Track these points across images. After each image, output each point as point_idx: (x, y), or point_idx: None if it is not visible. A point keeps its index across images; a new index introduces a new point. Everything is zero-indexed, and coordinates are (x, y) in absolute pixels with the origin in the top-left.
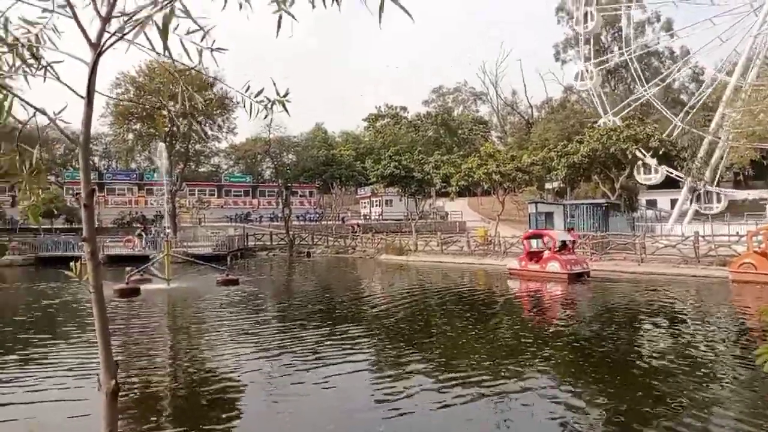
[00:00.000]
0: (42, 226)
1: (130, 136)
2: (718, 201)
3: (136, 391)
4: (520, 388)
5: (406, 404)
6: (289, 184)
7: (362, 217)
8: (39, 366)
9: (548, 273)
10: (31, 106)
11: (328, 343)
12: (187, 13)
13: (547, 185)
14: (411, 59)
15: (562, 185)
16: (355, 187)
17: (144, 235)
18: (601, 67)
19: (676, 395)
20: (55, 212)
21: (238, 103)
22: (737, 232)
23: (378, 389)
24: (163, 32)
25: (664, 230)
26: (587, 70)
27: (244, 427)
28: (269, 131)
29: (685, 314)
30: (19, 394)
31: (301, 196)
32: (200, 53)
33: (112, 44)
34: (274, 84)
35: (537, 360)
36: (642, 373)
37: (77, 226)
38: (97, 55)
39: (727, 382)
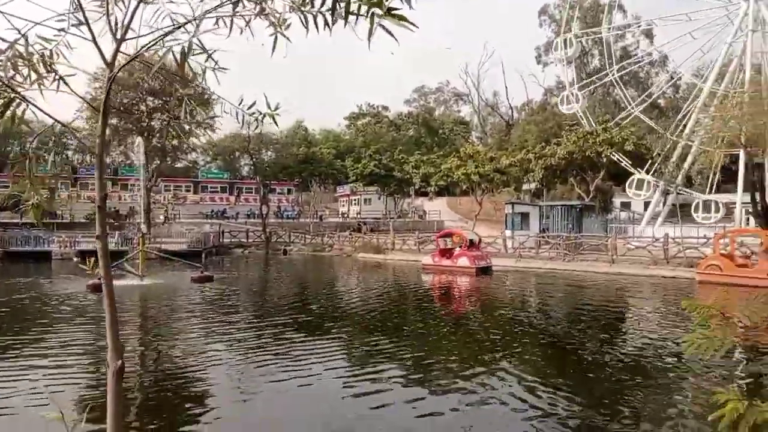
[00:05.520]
0: (10, 220)
1: (107, 130)
2: (717, 210)
3: (104, 388)
4: (489, 379)
5: (379, 400)
6: (268, 182)
7: (340, 216)
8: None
9: (459, 267)
10: (49, 116)
11: (302, 340)
12: (203, 48)
13: (525, 186)
14: (394, 60)
15: (539, 186)
16: (334, 186)
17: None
18: (585, 89)
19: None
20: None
21: (218, 101)
22: (705, 235)
23: (351, 387)
24: (181, 63)
25: (636, 232)
26: (572, 94)
27: (215, 425)
28: (249, 129)
29: (635, 313)
30: None
31: (279, 193)
32: (204, 72)
33: (126, 64)
34: (266, 97)
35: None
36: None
37: (48, 221)
38: (113, 74)
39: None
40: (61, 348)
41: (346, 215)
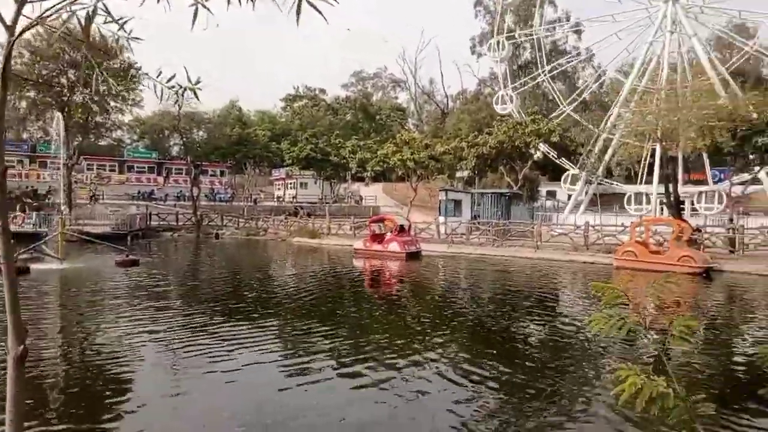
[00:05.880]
0: None
1: (23, 104)
2: (648, 202)
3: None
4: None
5: (314, 387)
6: (199, 162)
7: (275, 199)
8: None
9: (389, 252)
10: None
11: (234, 328)
12: (108, 13)
13: (458, 174)
14: (330, 42)
15: (471, 174)
16: (269, 169)
17: (27, 210)
18: (521, 90)
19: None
20: None
21: (144, 74)
22: (622, 223)
23: (285, 374)
24: (86, 28)
25: (560, 219)
26: (507, 94)
27: (141, 417)
28: (178, 106)
29: (556, 295)
30: None
31: (211, 175)
32: (117, 41)
33: (28, 28)
34: (186, 70)
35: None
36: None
37: None
38: (13, 39)
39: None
40: None
41: (281, 199)
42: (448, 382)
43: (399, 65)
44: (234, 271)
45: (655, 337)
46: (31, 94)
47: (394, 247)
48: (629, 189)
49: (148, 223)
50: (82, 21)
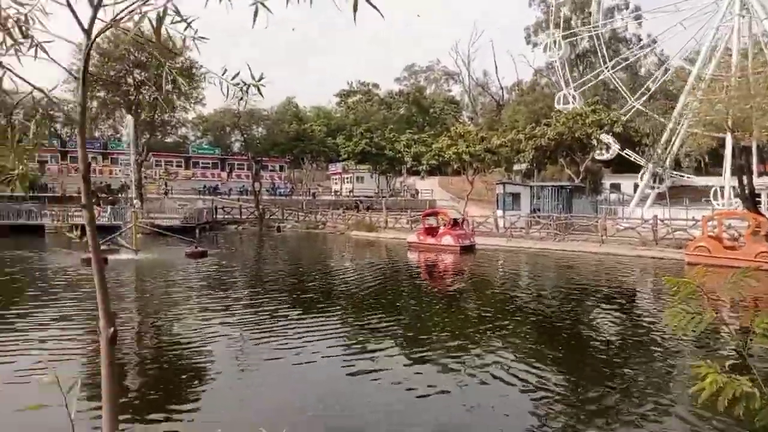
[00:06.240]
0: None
1: (94, 103)
2: (735, 195)
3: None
4: (479, 357)
5: (378, 379)
6: (259, 158)
7: (333, 194)
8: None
9: (443, 245)
10: (28, 83)
11: (298, 317)
12: (178, 13)
13: (516, 167)
14: (382, 36)
15: (529, 167)
16: (326, 163)
17: (102, 204)
18: (581, 88)
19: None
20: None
21: (205, 73)
22: (693, 217)
23: (349, 365)
24: (157, 29)
25: (626, 213)
26: (569, 94)
27: (211, 401)
28: (243, 102)
29: (626, 292)
30: None
31: (271, 170)
32: (184, 41)
33: (103, 31)
34: (250, 68)
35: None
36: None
37: (39, 194)
38: (91, 41)
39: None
40: (56, 320)
41: (338, 193)
42: (510, 387)
43: (452, 57)
44: (297, 264)
45: (735, 335)
46: (101, 94)
47: (447, 240)
48: (698, 181)
49: (214, 216)
50: (153, 22)
